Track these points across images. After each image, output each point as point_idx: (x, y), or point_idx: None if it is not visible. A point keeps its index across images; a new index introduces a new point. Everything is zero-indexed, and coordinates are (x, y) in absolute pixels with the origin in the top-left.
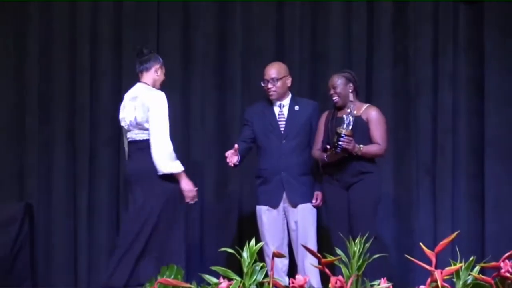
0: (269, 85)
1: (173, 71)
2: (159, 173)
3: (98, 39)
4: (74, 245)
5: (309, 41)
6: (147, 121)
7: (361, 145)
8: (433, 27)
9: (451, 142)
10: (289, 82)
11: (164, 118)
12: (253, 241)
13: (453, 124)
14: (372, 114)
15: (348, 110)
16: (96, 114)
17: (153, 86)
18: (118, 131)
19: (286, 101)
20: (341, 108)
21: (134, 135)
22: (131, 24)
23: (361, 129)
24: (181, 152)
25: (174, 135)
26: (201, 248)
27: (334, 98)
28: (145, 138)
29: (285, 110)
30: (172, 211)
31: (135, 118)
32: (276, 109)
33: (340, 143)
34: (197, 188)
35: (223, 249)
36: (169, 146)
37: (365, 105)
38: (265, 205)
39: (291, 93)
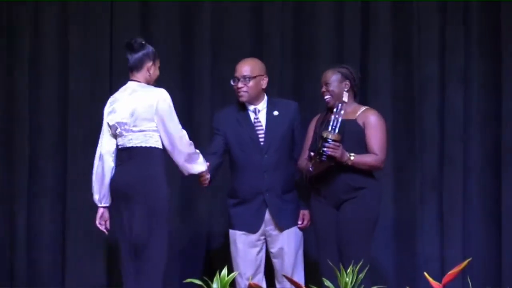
0: (240, 84)
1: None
2: (187, 173)
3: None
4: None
5: (292, 33)
6: (148, 121)
7: (352, 154)
8: (440, 14)
9: (462, 151)
10: (264, 83)
11: (175, 116)
12: (224, 271)
13: (464, 129)
14: (370, 118)
15: (335, 109)
16: (37, 121)
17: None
18: (64, 140)
19: (262, 105)
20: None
21: (127, 141)
22: (78, 21)
23: (355, 136)
24: None
25: None
26: (163, 278)
27: (325, 96)
28: (140, 144)
29: (262, 117)
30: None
31: (135, 120)
32: (251, 115)
33: (325, 149)
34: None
35: (188, 280)
36: (189, 141)
37: (362, 108)
38: (242, 230)
39: (266, 95)
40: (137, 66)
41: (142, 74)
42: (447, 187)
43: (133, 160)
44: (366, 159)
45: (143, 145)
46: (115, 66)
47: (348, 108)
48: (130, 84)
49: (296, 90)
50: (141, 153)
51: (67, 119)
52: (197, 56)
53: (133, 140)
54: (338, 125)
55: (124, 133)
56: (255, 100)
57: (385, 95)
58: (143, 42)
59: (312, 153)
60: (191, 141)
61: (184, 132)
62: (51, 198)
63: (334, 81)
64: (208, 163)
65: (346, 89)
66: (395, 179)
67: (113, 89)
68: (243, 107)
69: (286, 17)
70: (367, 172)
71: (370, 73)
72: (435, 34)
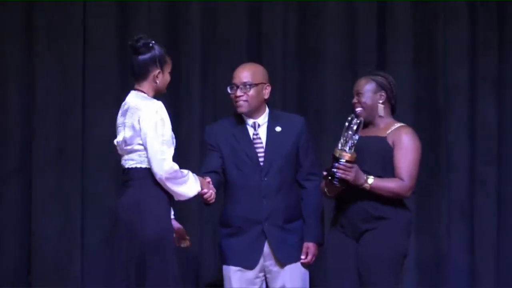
0: (239, 92)
1: (107, 74)
2: (178, 199)
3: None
4: None
5: (296, 35)
6: (138, 143)
7: (371, 177)
8: (469, 10)
9: (495, 173)
10: (266, 92)
11: (161, 134)
12: None
13: (498, 147)
14: (402, 137)
15: (350, 123)
16: None
17: (153, 95)
18: (29, 157)
19: (263, 119)
20: (366, 126)
21: (124, 162)
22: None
23: (382, 156)
24: (117, 184)
25: (109, 162)
26: None
27: (357, 109)
28: (135, 164)
29: (262, 132)
30: None
31: (124, 138)
32: (250, 130)
33: (334, 170)
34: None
35: None
36: (170, 165)
37: (397, 124)
38: (237, 265)
39: (268, 108)
40: (141, 73)
41: (148, 83)
42: (479, 214)
43: (129, 183)
44: (389, 184)
45: (138, 166)
46: (89, 73)
47: (381, 123)
48: (130, 94)
49: (300, 101)
50: (136, 175)
51: (33, 133)
52: (184, 59)
53: (128, 161)
54: (354, 143)
55: (123, 153)
56: (255, 112)
57: (405, 106)
58: (151, 43)
59: (324, 173)
60: (174, 164)
61: (167, 154)
62: (12, 230)
63: (368, 91)
64: (208, 178)
65: (381, 101)
66: (417, 205)
67: (86, 100)
68: (240, 121)
69: (289, 15)
70: (391, 198)
71: None
72: (464, 34)
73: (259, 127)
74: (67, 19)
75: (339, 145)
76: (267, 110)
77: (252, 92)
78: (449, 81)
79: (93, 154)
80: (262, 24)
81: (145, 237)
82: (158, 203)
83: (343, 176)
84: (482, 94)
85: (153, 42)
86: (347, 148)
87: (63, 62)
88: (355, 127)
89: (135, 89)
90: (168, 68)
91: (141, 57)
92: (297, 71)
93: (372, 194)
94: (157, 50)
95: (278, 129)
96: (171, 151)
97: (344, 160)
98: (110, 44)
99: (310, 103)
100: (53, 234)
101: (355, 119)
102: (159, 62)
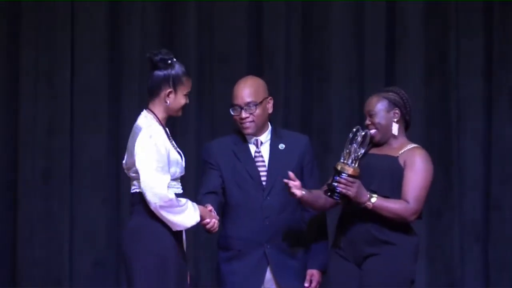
0: (244, 114)
1: (97, 89)
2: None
3: None
4: None
5: (299, 45)
6: (135, 167)
7: (375, 195)
8: (485, 17)
9: None
10: (270, 106)
11: (153, 159)
12: None
13: None
14: (414, 158)
15: (355, 136)
16: None
17: (165, 117)
18: (14, 180)
19: (265, 136)
20: (379, 144)
21: (131, 186)
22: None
23: (391, 176)
24: (110, 205)
25: (98, 184)
26: None
27: (370, 130)
28: (137, 189)
29: (265, 150)
30: None
31: (125, 161)
32: (252, 148)
33: (335, 184)
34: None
35: None
36: (163, 193)
37: (411, 145)
38: None
39: (270, 123)
40: (153, 90)
41: (158, 102)
42: (494, 239)
43: (132, 209)
44: (392, 205)
45: (138, 190)
46: (78, 88)
47: (394, 143)
48: (141, 114)
49: (303, 119)
50: (137, 200)
51: (18, 154)
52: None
53: (132, 185)
54: (358, 156)
55: (130, 177)
56: (260, 130)
57: (415, 121)
58: (170, 59)
59: (325, 187)
60: (170, 192)
61: (160, 182)
62: None
63: (381, 111)
64: (209, 206)
65: (395, 119)
66: (428, 227)
67: (75, 118)
68: (241, 138)
69: (292, 29)
70: (399, 222)
71: None
72: (479, 43)
73: (262, 145)
74: (53, 32)
75: (342, 158)
76: (270, 127)
77: (258, 111)
78: (463, 95)
79: (82, 176)
80: (263, 38)
81: (137, 265)
82: (154, 230)
83: (343, 191)
84: (497, 109)
85: (174, 59)
86: (349, 162)
87: (50, 76)
88: (359, 139)
89: (146, 109)
90: (183, 90)
91: (156, 73)
92: (300, 87)
93: (377, 216)
94: (175, 68)
95: (281, 146)
96: (166, 178)
97: (346, 174)
98: (99, 57)
99: (314, 121)
100: (40, 258)
101: (360, 131)
102: (172, 81)
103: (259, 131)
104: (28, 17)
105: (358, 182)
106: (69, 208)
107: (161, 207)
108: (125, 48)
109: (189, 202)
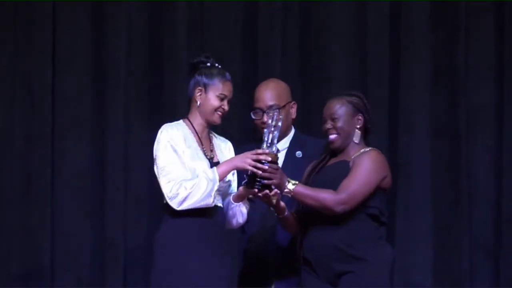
0: (266, 118)
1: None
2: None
3: None
4: None
5: (298, 49)
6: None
7: (295, 181)
8: (496, 17)
9: None
10: (294, 111)
11: (165, 160)
12: None
13: None
14: (361, 157)
15: (269, 119)
16: None
17: (198, 119)
18: None
19: (284, 143)
20: (339, 151)
21: None
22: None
23: (338, 181)
24: (94, 218)
25: (80, 195)
26: None
27: (330, 135)
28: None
29: (280, 159)
30: None
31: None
32: None
33: (259, 173)
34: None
35: None
36: (171, 190)
37: (365, 149)
38: None
39: (294, 128)
40: (189, 93)
41: (193, 106)
42: (506, 256)
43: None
44: (317, 193)
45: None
46: (59, 92)
47: (352, 150)
48: None
49: (302, 124)
50: (162, 208)
51: None
52: (170, 78)
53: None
54: (275, 141)
55: None
56: (281, 135)
57: (422, 130)
58: (207, 62)
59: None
60: (173, 187)
61: (173, 182)
62: None
63: (343, 115)
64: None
65: (358, 126)
66: (436, 243)
67: (56, 124)
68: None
69: (289, 29)
70: (365, 233)
71: (401, 101)
72: (490, 46)
73: (278, 153)
74: (33, 33)
75: (264, 145)
76: (292, 131)
77: (282, 115)
78: (472, 102)
79: (64, 187)
80: (258, 40)
81: (151, 273)
82: (169, 238)
83: (269, 180)
84: (510, 116)
85: (211, 61)
86: (265, 146)
87: (30, 82)
88: (271, 121)
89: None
90: (216, 91)
91: (191, 75)
92: (299, 93)
93: (340, 227)
94: (209, 69)
95: (298, 154)
96: (167, 178)
97: (267, 162)
98: (82, 60)
99: (314, 129)
100: (18, 276)
101: (273, 112)
102: (204, 80)
103: (280, 136)
104: (5, 17)
105: (280, 168)
106: (50, 222)
107: (179, 202)
108: (111, 50)
109: (201, 174)
